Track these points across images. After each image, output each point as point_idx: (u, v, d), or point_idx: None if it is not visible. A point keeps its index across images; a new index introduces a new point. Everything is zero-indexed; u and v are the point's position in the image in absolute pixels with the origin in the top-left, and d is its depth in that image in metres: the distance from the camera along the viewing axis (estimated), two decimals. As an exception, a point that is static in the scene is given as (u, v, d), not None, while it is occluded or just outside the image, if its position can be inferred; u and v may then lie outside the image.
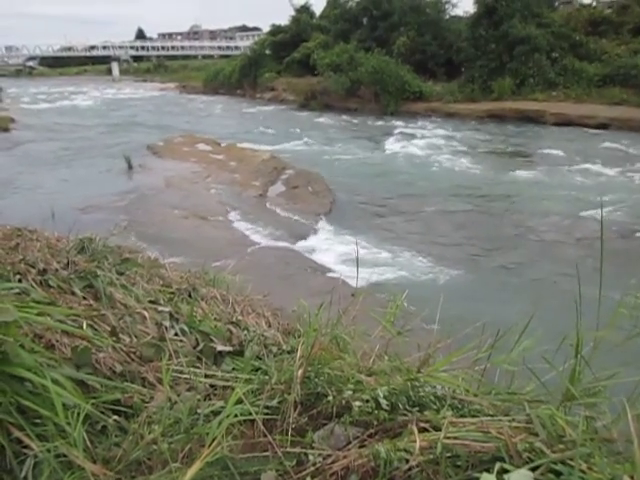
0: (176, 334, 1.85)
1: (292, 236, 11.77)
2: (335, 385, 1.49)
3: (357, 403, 1.41)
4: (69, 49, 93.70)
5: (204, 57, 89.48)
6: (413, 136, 25.41)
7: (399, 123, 29.97)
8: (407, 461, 1.22)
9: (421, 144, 23.19)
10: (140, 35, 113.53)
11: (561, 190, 15.61)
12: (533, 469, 1.15)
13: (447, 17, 41.00)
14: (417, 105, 34.07)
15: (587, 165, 18.32)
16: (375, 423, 1.39)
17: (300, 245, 11.34)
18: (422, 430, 1.31)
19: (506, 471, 1.15)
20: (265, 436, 1.34)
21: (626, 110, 26.69)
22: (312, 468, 1.26)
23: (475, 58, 34.53)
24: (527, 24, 33.24)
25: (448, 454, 1.23)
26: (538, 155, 21.00)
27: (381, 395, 1.43)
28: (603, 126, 25.44)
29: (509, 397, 1.49)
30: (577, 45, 33.47)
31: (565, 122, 26.85)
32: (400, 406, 1.42)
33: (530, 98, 31.12)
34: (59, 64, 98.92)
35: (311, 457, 1.28)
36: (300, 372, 1.48)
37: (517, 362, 1.54)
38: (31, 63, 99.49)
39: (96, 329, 1.73)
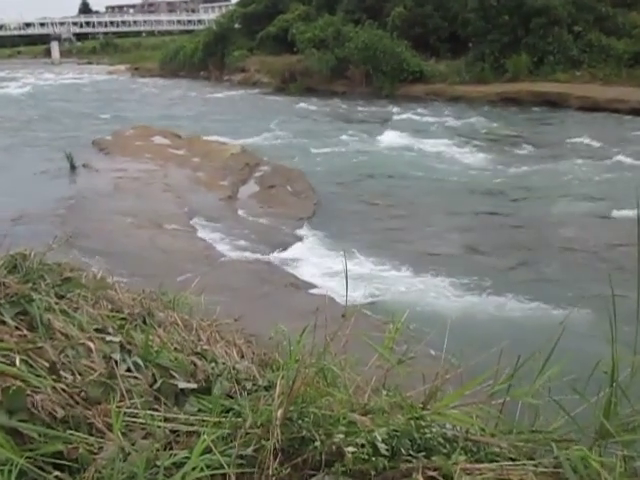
0: (129, 369, 1.82)
1: (268, 246, 11.75)
2: (323, 427, 1.48)
3: (350, 449, 1.40)
4: None
5: (161, 33, 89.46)
6: (412, 124, 25.57)
7: (395, 109, 30.17)
8: (412, 518, 1.21)
9: (422, 134, 23.33)
10: (84, 9, 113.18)
11: (589, 186, 15.79)
12: (564, 523, 1.15)
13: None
14: (416, 87, 34.38)
15: (619, 157, 18.54)
16: (373, 473, 1.38)
17: (278, 257, 11.32)
18: (430, 479, 1.31)
19: (531, 527, 1.14)
20: (239, 492, 1.33)
21: (663, 93, 27.09)
22: (298, 530, 1.25)
23: (485, 32, 34.92)
24: (545, -8, 33.73)
25: (462, 508, 1.22)
26: (561, 145, 21.23)
27: (379, 438, 1.43)
28: (636, 112, 25.76)
29: (533, 437, 1.49)
30: (603, 18, 34.00)
31: (592, 107, 27.18)
32: (403, 451, 1.41)
33: (550, 79, 31.53)
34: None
35: (296, 517, 1.27)
36: (280, 412, 1.47)
37: (542, 394, 1.54)
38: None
39: (32, 365, 1.70)
